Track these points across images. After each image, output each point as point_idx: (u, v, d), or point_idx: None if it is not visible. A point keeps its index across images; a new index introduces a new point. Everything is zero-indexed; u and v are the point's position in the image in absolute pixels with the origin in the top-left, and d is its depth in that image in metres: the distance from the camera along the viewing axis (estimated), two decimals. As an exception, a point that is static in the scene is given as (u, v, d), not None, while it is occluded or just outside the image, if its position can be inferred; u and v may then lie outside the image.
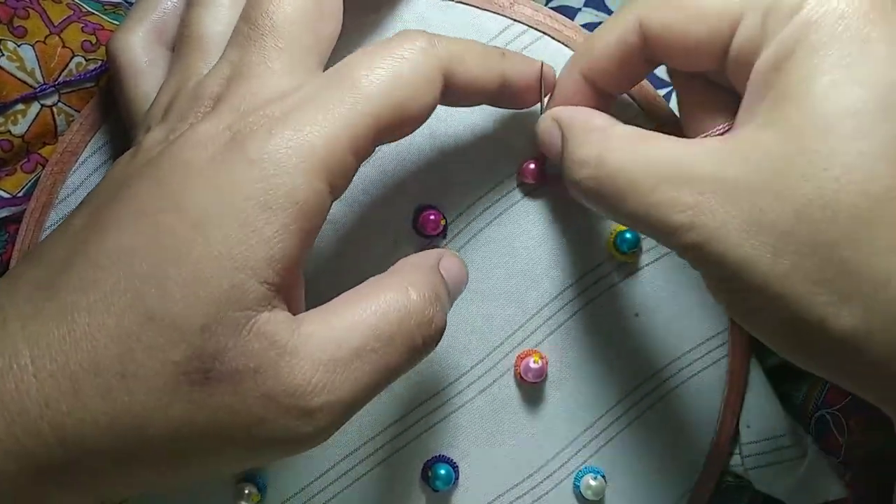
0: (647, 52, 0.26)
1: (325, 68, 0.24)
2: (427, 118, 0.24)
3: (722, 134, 0.26)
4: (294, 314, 0.22)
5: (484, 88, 0.26)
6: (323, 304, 0.31)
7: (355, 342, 0.22)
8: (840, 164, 0.20)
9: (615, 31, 0.26)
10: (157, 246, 0.20)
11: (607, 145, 0.24)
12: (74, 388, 0.19)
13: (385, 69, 0.23)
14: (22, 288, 0.21)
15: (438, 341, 0.24)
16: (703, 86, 0.27)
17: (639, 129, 0.25)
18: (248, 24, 0.24)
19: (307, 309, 0.23)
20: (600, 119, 0.26)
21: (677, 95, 0.29)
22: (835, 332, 0.21)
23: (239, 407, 0.20)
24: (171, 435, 0.20)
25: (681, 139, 0.23)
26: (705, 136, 0.26)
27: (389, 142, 0.24)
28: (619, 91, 0.29)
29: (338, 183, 0.22)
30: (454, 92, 0.25)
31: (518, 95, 0.28)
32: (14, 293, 0.21)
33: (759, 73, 0.23)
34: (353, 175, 0.23)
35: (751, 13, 0.23)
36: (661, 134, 0.24)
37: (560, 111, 0.28)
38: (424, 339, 0.23)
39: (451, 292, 0.26)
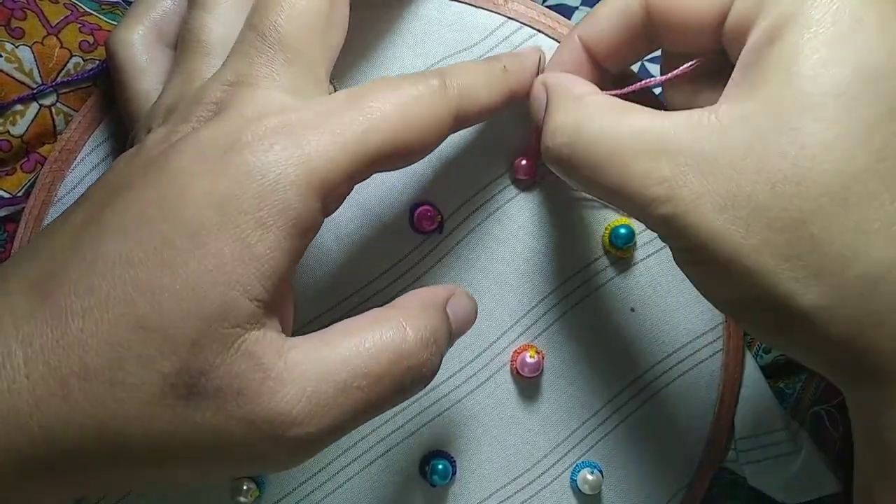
0: (648, 26, 0.26)
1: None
2: (431, 152, 0.25)
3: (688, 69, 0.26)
4: (283, 327, 0.22)
5: (493, 111, 0.27)
6: (319, 303, 0.31)
7: (342, 377, 0.21)
8: (818, 143, 0.20)
9: (619, 0, 0.26)
10: (155, 256, 0.20)
11: (585, 113, 0.24)
12: (64, 392, 0.19)
13: (396, 104, 0.23)
14: (17, 284, 0.21)
15: (428, 383, 0.24)
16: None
17: (618, 99, 0.25)
18: (255, 35, 0.23)
19: (299, 315, 0.23)
20: (582, 86, 0.26)
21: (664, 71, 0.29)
22: (800, 308, 0.21)
23: (219, 426, 0.20)
24: (153, 444, 0.20)
25: (661, 111, 0.23)
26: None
27: (388, 171, 0.24)
28: (613, 66, 0.29)
29: (331, 204, 0.22)
30: (466, 123, 0.26)
31: (524, 98, 0.29)
32: (8, 290, 0.21)
33: (751, 47, 0.23)
34: (345, 199, 0.23)
35: None
36: (640, 105, 0.24)
37: (547, 75, 0.28)
38: (413, 380, 0.23)
39: (453, 333, 0.25)
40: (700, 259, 0.22)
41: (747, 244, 0.21)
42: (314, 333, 0.22)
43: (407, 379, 0.23)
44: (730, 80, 0.24)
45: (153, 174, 0.22)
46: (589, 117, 0.24)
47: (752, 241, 0.21)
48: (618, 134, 0.23)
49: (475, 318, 0.27)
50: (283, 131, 0.21)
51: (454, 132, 0.25)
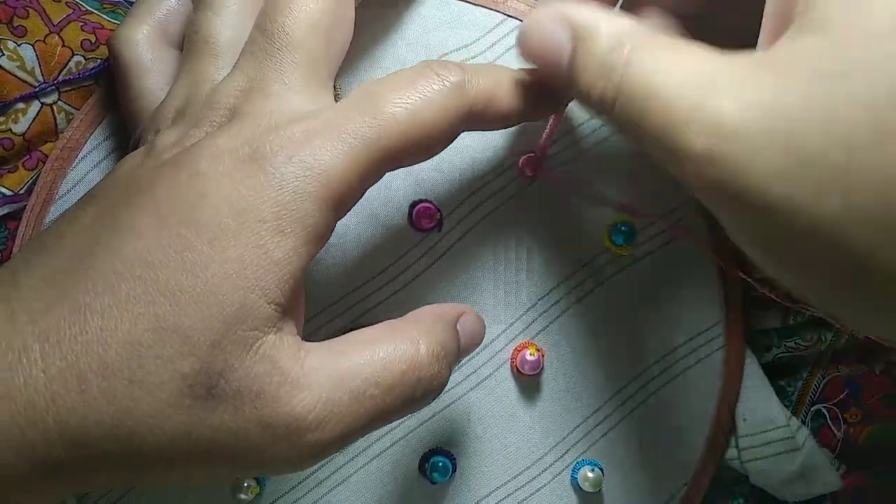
0: None
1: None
2: (446, 148, 0.24)
3: None
4: (297, 330, 0.23)
5: (508, 123, 0.26)
6: (317, 301, 0.31)
7: (356, 385, 0.22)
8: None
9: None
10: (174, 258, 0.20)
11: (640, 52, 0.20)
12: (81, 388, 0.19)
13: (409, 106, 0.23)
14: (27, 280, 0.21)
15: (437, 396, 0.24)
16: None
17: (675, 37, 0.21)
18: (264, 37, 0.24)
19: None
20: (626, 20, 0.22)
21: None
22: None
23: (235, 428, 0.21)
24: (168, 445, 0.20)
25: (715, 50, 0.19)
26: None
27: (400, 168, 0.24)
28: None
29: (345, 208, 0.23)
30: (477, 126, 0.25)
31: (540, 116, 0.28)
32: (19, 284, 0.21)
33: None
34: (358, 201, 0.23)
35: None
36: (700, 43, 0.20)
37: (571, 8, 0.23)
38: (424, 392, 0.23)
39: (462, 350, 0.26)
40: (768, 234, 0.18)
41: (824, 212, 0.17)
42: (328, 340, 0.23)
43: (417, 390, 0.23)
44: (767, 12, 0.20)
45: (167, 177, 0.22)
46: (642, 56, 0.20)
47: (829, 208, 0.16)
48: (669, 74, 0.19)
49: (483, 338, 0.28)
50: (298, 141, 0.22)
51: (469, 130, 0.25)
